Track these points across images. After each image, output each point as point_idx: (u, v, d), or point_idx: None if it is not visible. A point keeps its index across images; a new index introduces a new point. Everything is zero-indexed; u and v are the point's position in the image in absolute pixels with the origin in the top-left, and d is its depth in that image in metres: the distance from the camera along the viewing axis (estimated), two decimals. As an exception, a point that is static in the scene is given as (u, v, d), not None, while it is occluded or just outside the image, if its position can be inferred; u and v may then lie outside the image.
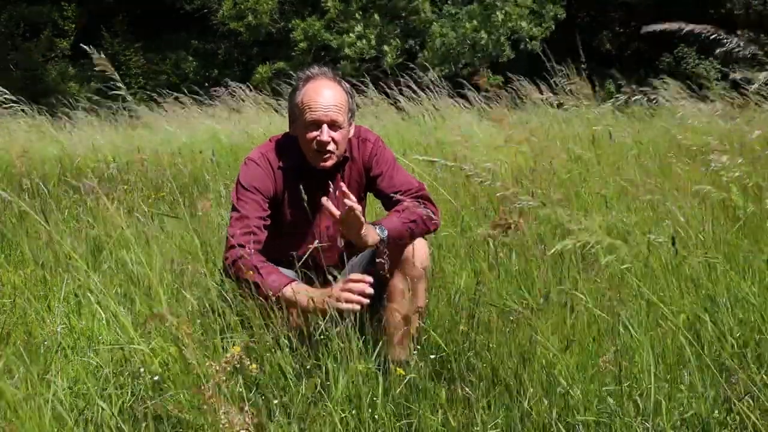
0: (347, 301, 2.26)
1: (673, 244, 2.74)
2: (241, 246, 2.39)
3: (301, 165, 2.60)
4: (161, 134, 8.23)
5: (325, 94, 2.54)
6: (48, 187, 5.15)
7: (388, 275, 2.39)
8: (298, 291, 2.33)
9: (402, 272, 2.47)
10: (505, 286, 2.79)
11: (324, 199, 2.38)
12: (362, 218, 2.38)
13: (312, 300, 2.29)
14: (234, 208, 2.53)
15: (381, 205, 2.83)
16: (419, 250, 2.51)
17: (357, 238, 2.40)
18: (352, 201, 2.34)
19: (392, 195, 2.63)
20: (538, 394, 2.10)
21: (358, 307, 2.26)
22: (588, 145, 5.25)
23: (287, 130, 2.69)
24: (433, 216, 2.60)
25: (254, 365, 1.96)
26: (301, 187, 2.50)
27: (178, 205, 4.53)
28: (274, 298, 2.27)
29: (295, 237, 2.62)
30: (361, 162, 2.68)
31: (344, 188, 2.39)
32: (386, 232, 2.43)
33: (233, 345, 2.10)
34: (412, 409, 2.09)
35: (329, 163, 2.57)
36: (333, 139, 2.53)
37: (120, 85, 3.27)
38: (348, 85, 2.67)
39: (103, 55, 3.18)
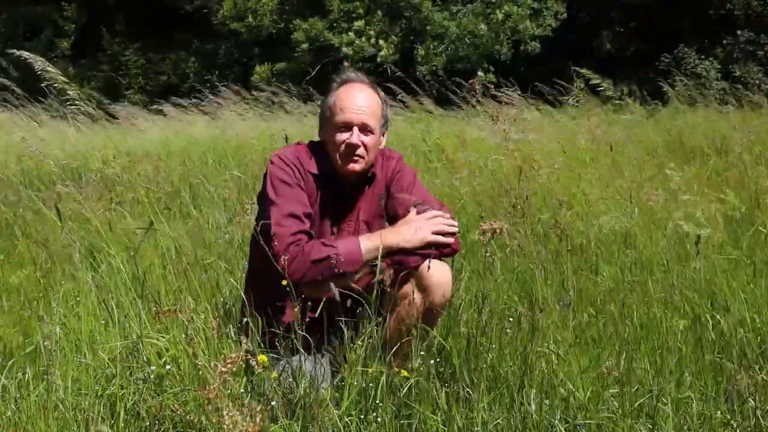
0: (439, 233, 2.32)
1: (697, 243, 2.77)
2: (294, 242, 2.26)
3: (327, 173, 2.48)
4: (159, 135, 8.23)
5: (358, 96, 2.46)
6: (46, 186, 5.15)
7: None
8: (376, 237, 2.28)
9: (413, 283, 2.33)
10: (505, 287, 2.78)
11: None
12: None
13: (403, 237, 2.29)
14: (273, 204, 2.35)
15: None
16: (444, 279, 2.36)
17: None
18: None
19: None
20: (539, 395, 2.10)
21: (451, 240, 2.34)
22: (585, 146, 5.25)
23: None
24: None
25: (275, 374, 1.92)
26: (324, 197, 2.41)
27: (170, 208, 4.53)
28: (360, 262, 2.23)
29: None
30: (384, 179, 2.57)
31: None
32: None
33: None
34: (413, 409, 2.09)
35: (358, 166, 2.45)
36: (363, 144, 2.43)
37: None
38: (384, 95, 2.58)
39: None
